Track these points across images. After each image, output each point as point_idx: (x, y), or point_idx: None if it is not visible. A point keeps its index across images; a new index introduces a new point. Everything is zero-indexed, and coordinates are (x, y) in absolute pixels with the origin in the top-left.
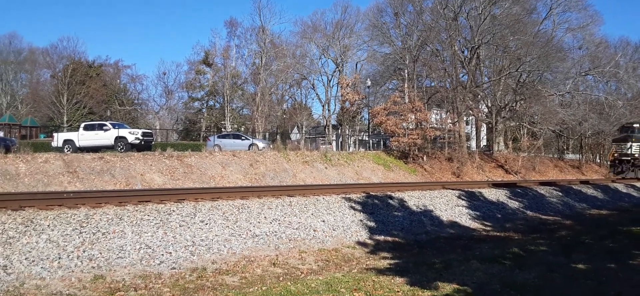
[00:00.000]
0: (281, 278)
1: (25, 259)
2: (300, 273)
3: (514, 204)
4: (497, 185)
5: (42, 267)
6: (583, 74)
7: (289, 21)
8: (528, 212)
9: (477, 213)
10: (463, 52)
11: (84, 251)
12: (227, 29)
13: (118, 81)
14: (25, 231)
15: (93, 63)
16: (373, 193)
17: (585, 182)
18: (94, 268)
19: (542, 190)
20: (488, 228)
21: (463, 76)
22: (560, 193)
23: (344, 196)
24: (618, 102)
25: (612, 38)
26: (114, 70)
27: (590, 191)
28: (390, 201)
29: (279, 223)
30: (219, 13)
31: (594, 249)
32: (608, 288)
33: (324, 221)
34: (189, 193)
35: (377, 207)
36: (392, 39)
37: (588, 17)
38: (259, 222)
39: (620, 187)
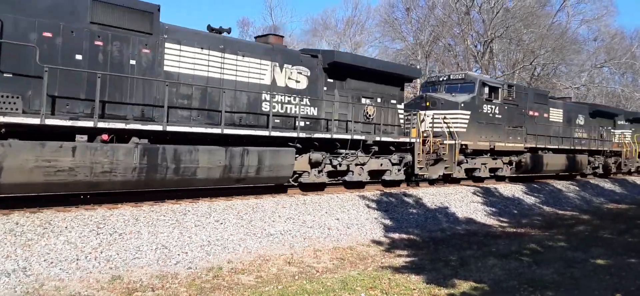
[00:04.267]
0: (296, 277)
1: (44, 261)
2: (315, 272)
3: (530, 199)
4: (512, 180)
5: (60, 268)
6: (598, 66)
7: (300, 20)
8: (545, 207)
9: (493, 209)
10: (476, 46)
11: (101, 252)
12: (239, 28)
13: None
14: (44, 233)
15: None
16: (387, 191)
17: (602, 176)
18: (111, 268)
19: (559, 185)
20: (504, 224)
21: (476, 70)
22: (577, 187)
23: (358, 194)
24: (634, 94)
25: (627, 29)
26: None
27: (607, 184)
28: (405, 198)
29: (293, 222)
30: (232, 13)
31: (613, 244)
32: (629, 283)
33: (338, 219)
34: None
35: (392, 204)
36: (403, 35)
37: (603, 8)
38: (273, 221)
39: (639, 181)
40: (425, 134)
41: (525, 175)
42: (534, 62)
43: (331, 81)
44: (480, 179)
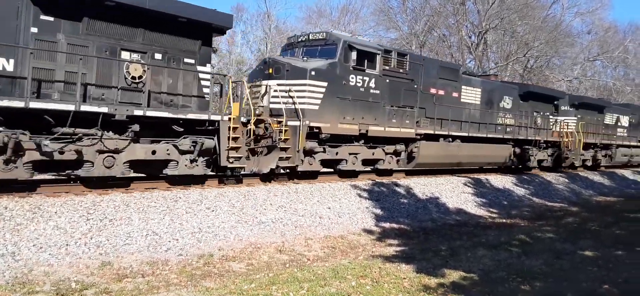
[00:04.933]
0: (288, 265)
1: (33, 246)
2: (306, 260)
3: (520, 190)
4: (503, 171)
5: (50, 254)
6: (591, 59)
7: (295, 6)
8: (534, 199)
9: (483, 200)
10: (470, 37)
11: (91, 238)
12: (233, 12)
13: None
14: (33, 218)
15: None
16: (379, 180)
17: (591, 168)
18: (101, 254)
19: (549, 177)
20: (494, 215)
21: (470, 62)
22: (566, 180)
23: (350, 183)
24: (626, 87)
25: (621, 22)
26: None
27: (596, 177)
28: (397, 188)
29: (285, 210)
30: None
31: (601, 236)
32: (616, 275)
33: (329, 208)
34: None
35: (383, 194)
36: (398, 25)
37: (597, 1)
38: (265, 209)
39: (628, 174)
40: (258, 112)
41: (422, 169)
42: (527, 54)
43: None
44: (353, 174)
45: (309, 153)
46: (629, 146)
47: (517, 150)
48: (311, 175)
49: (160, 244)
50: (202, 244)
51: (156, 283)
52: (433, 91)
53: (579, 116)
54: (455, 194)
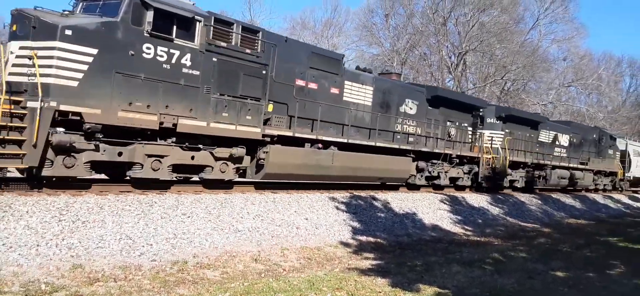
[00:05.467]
0: (263, 275)
1: (3, 245)
2: (282, 270)
3: (494, 210)
4: (479, 190)
5: (19, 254)
6: (566, 85)
7: (279, 17)
8: (508, 218)
9: (459, 217)
10: (450, 57)
11: (63, 240)
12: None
13: None
14: (3, 216)
15: None
16: (357, 193)
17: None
18: (72, 256)
19: (523, 198)
20: (469, 233)
21: (449, 81)
22: (539, 201)
23: (328, 195)
24: (598, 114)
25: (596, 51)
26: None
27: (568, 200)
28: (374, 202)
29: (262, 219)
30: (210, 6)
31: (573, 257)
32: None
33: (307, 219)
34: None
35: (361, 207)
36: (380, 41)
37: (574, 29)
38: (241, 217)
39: (598, 197)
40: None
41: (274, 181)
42: (505, 77)
43: None
44: (163, 185)
45: (62, 150)
46: (567, 168)
47: (422, 164)
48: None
49: (134, 249)
50: (176, 250)
51: (128, 288)
52: (300, 82)
53: (507, 131)
54: (431, 210)
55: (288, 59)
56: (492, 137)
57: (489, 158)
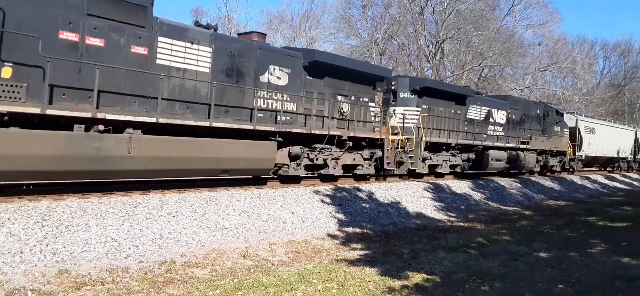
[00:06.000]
0: (252, 270)
1: None
2: (271, 265)
3: (477, 195)
4: (460, 176)
5: (3, 261)
6: (542, 69)
7: (255, 11)
8: (490, 203)
9: (442, 204)
10: (428, 46)
11: (47, 245)
12: (193, 17)
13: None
14: None
15: None
16: (341, 186)
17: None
18: (58, 262)
19: (503, 182)
20: (452, 219)
21: (428, 70)
22: (519, 185)
23: (313, 188)
24: (574, 97)
25: (570, 35)
26: None
27: (547, 182)
28: (359, 193)
29: (248, 216)
30: (186, 1)
31: (554, 238)
32: (569, 275)
33: (293, 213)
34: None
35: (346, 199)
36: (359, 32)
37: (548, 14)
38: (227, 214)
39: (576, 179)
40: None
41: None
42: (482, 64)
43: None
44: None
45: None
46: (504, 148)
47: (296, 150)
48: None
49: (120, 251)
50: (163, 250)
51: (117, 290)
52: (69, 36)
53: (425, 107)
54: (415, 198)
55: (43, 1)
56: (405, 114)
57: (398, 140)
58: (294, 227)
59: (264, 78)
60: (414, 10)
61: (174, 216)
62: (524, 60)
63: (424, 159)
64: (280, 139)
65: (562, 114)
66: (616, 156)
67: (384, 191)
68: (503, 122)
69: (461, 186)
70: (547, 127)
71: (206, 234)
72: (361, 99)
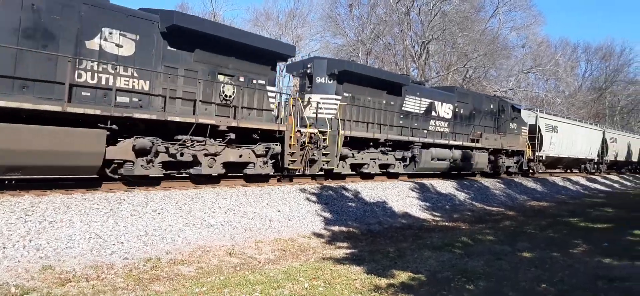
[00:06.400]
0: (238, 268)
1: None
2: (257, 263)
3: (461, 195)
4: (445, 177)
5: None
6: (525, 71)
7: (241, 8)
8: (474, 203)
9: (427, 204)
10: (414, 47)
11: (30, 241)
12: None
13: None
14: None
15: None
16: (327, 184)
17: (525, 174)
18: (41, 258)
19: (487, 182)
20: (437, 218)
21: (414, 70)
22: (503, 185)
23: (299, 187)
24: (557, 99)
25: (553, 38)
26: None
27: (530, 183)
28: (345, 192)
29: (234, 213)
30: None
31: (537, 238)
32: (552, 275)
33: (279, 211)
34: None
35: (332, 198)
36: (345, 31)
37: (531, 17)
38: (213, 212)
39: (558, 180)
40: None
41: None
42: (467, 65)
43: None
44: None
45: None
46: (448, 146)
47: (143, 142)
48: None
49: (105, 248)
50: (149, 247)
51: (102, 287)
52: None
53: (348, 95)
54: (400, 198)
55: None
56: (319, 104)
57: (307, 134)
58: (280, 225)
59: (93, 44)
60: (400, 10)
61: (159, 213)
62: (507, 62)
63: (344, 157)
64: (114, 126)
65: (519, 110)
66: (582, 157)
67: (370, 190)
68: (448, 116)
69: (446, 187)
70: (501, 124)
71: (192, 232)
72: (255, 81)
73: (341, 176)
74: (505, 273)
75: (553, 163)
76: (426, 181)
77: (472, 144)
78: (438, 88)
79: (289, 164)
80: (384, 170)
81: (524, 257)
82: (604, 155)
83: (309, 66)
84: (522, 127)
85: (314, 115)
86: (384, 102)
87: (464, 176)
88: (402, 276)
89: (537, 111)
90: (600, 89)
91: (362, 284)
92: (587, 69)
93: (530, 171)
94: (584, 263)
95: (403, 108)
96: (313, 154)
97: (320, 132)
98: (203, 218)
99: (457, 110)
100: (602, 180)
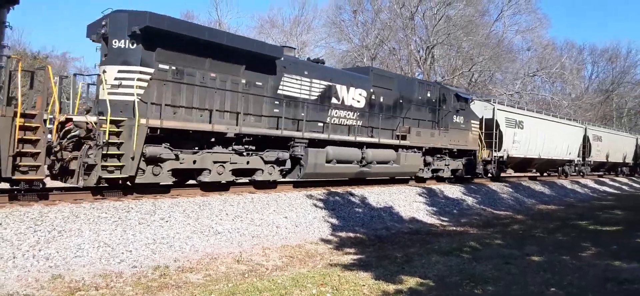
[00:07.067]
0: (246, 275)
1: None
2: (265, 270)
3: (469, 200)
4: (452, 182)
5: None
6: (531, 74)
7: (246, 16)
8: (482, 207)
9: (435, 209)
10: (419, 51)
11: (39, 250)
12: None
13: (65, 72)
14: None
15: (38, 54)
16: (333, 190)
17: (533, 178)
18: (51, 267)
19: (494, 187)
20: (445, 223)
21: (419, 74)
22: (510, 189)
23: (305, 193)
24: (563, 102)
25: (558, 40)
26: (61, 61)
27: (538, 187)
28: (351, 198)
29: (242, 220)
30: (175, 5)
31: (546, 242)
32: (561, 279)
33: (286, 218)
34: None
35: (339, 203)
36: (350, 37)
37: (537, 20)
38: (221, 219)
39: (566, 183)
40: None
41: None
42: (472, 69)
43: None
44: None
45: None
46: (356, 145)
47: None
48: None
49: (113, 256)
50: (157, 255)
51: (111, 295)
52: None
53: (165, 68)
54: (407, 203)
55: None
56: (117, 79)
57: (84, 124)
58: (287, 232)
59: None
60: (404, 15)
61: (167, 221)
62: (513, 65)
63: (155, 161)
64: None
65: (466, 100)
66: (558, 158)
67: (377, 195)
68: (360, 106)
69: (453, 191)
70: (443, 118)
71: (200, 239)
72: None
73: (156, 189)
74: (514, 277)
75: (521, 164)
76: (433, 186)
77: (396, 142)
78: (348, 70)
79: (7, 172)
80: (250, 177)
81: (532, 261)
82: (587, 156)
83: (103, 23)
84: (472, 122)
85: (112, 98)
86: (244, 81)
87: (396, 182)
88: (410, 281)
89: (495, 102)
90: (607, 91)
91: (370, 290)
92: (593, 72)
93: (490, 174)
94: (593, 266)
95: (280, 91)
96: (88, 156)
97: (114, 122)
98: (210, 225)
99: (374, 98)
100: (611, 182)
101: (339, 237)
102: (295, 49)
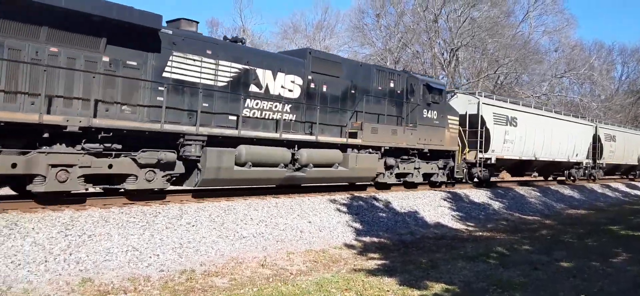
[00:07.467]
0: (271, 279)
1: (11, 262)
2: (289, 274)
3: (495, 204)
4: (478, 186)
5: (28, 270)
6: (559, 76)
7: (270, 22)
8: (509, 212)
9: (460, 214)
10: (443, 54)
11: (70, 254)
12: (208, 28)
13: None
14: (10, 234)
15: None
16: (357, 195)
17: (562, 182)
18: (81, 271)
19: (522, 191)
20: (471, 228)
21: (443, 78)
22: (539, 193)
23: (329, 197)
24: (592, 103)
25: (586, 41)
26: None
27: (567, 191)
28: (375, 202)
29: (266, 225)
30: (201, 12)
31: (575, 247)
32: (591, 285)
33: (310, 222)
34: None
35: (362, 208)
36: (373, 40)
37: (564, 20)
38: (245, 224)
39: (596, 187)
40: None
41: None
42: (498, 71)
43: None
44: None
45: None
46: (283, 143)
47: None
48: None
49: (141, 260)
50: (183, 259)
51: None
52: None
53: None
54: (432, 207)
55: None
56: None
57: None
58: (311, 236)
59: None
60: (428, 18)
61: (193, 226)
62: (540, 67)
63: None
64: None
65: (441, 92)
66: (562, 160)
67: (401, 200)
68: (293, 96)
69: (479, 195)
70: (410, 112)
71: (225, 244)
72: None
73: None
74: (543, 283)
75: (517, 167)
76: (458, 190)
77: (342, 140)
78: (280, 53)
79: None
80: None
81: (561, 267)
82: (598, 157)
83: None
84: (450, 118)
85: None
86: (106, 59)
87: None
88: (436, 287)
89: (480, 95)
90: (638, 91)
91: (395, 295)
92: (623, 72)
93: (475, 179)
94: (624, 272)
95: (166, 74)
96: None
97: None
98: (235, 230)
99: (313, 86)
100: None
101: (362, 242)
102: (197, 23)
